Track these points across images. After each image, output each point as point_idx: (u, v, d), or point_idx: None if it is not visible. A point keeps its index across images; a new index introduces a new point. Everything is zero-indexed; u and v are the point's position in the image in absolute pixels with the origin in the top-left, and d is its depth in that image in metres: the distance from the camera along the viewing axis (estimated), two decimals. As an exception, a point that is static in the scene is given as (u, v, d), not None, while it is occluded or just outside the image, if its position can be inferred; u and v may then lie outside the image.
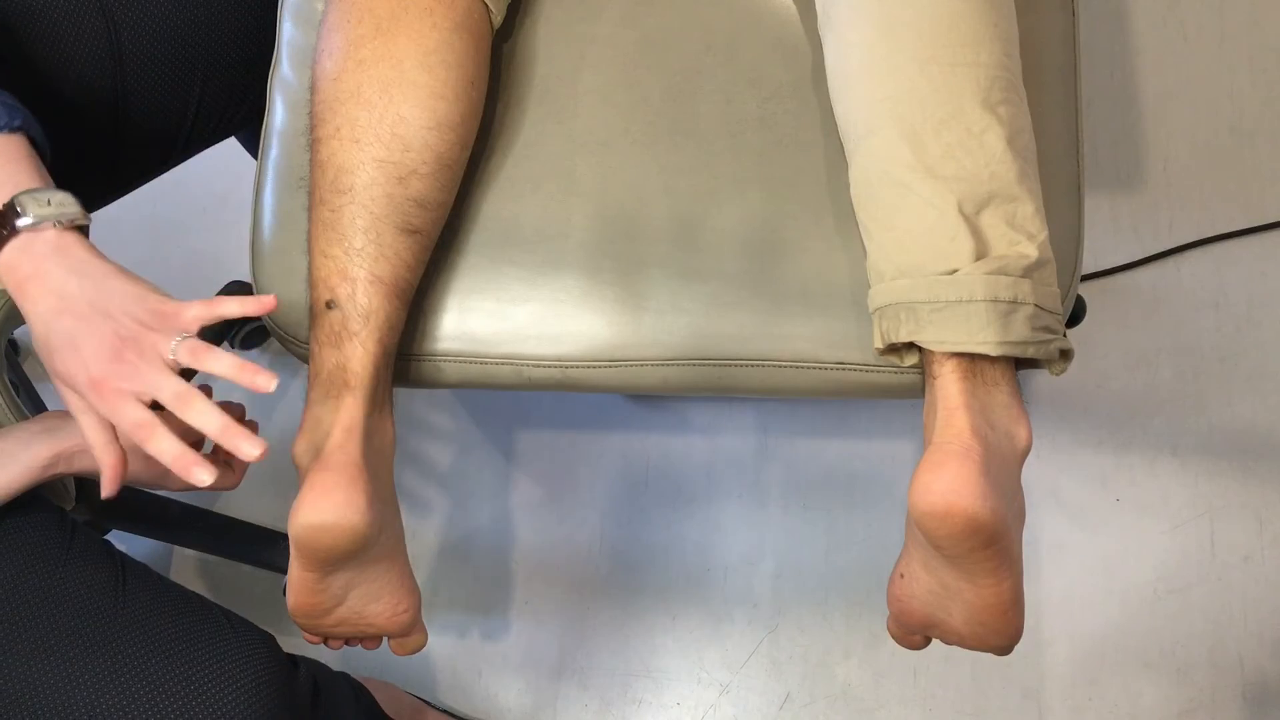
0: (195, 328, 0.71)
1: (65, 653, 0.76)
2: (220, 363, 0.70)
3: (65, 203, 0.71)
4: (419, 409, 1.35)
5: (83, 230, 0.72)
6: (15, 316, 0.91)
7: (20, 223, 0.69)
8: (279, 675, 0.80)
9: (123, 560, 0.83)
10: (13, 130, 0.72)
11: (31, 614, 0.77)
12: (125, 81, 0.87)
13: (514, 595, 1.27)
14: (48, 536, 0.81)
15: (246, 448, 0.68)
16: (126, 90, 0.88)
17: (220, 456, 0.84)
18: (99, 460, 0.73)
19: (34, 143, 0.73)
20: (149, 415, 0.69)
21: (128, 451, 0.75)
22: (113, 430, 0.73)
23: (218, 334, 1.31)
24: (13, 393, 0.91)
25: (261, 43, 0.92)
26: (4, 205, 0.70)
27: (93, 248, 0.72)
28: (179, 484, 0.81)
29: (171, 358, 0.69)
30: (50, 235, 0.70)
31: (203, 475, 0.69)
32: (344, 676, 0.98)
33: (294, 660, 0.86)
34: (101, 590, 0.79)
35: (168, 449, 0.69)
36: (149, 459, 0.79)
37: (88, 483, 0.94)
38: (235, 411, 0.87)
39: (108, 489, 0.73)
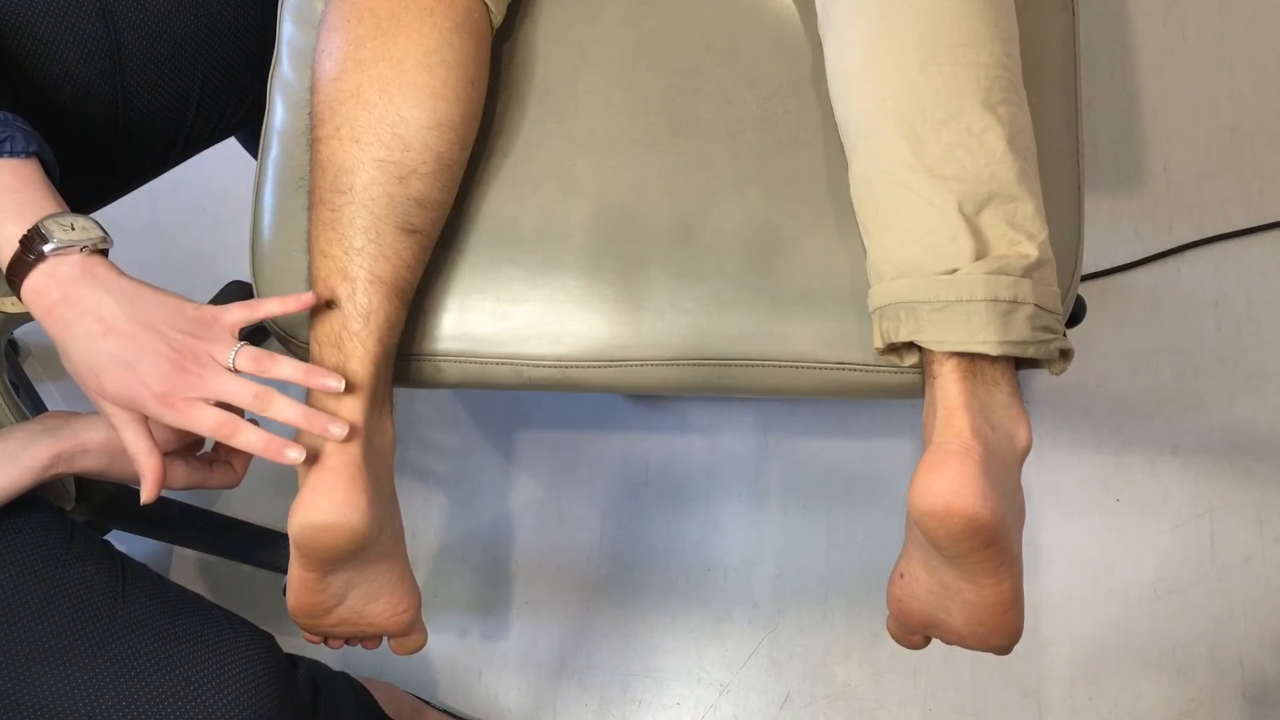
0: (236, 331, 0.72)
1: (65, 653, 0.76)
2: (285, 368, 0.72)
3: (88, 226, 0.72)
4: (419, 409, 1.35)
5: (104, 253, 0.73)
6: (15, 317, 0.91)
7: (46, 248, 0.70)
8: (279, 675, 0.80)
9: (122, 561, 0.83)
10: (28, 155, 0.72)
11: (31, 614, 0.77)
12: (125, 81, 0.87)
13: (514, 595, 1.27)
14: (48, 537, 0.81)
15: (334, 429, 0.71)
16: (126, 90, 0.88)
17: (221, 455, 0.84)
18: (141, 467, 0.74)
19: (45, 165, 0.74)
20: (227, 414, 0.71)
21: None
22: (153, 438, 0.74)
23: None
24: (13, 393, 0.91)
25: (261, 43, 0.92)
26: (29, 230, 0.70)
27: (116, 268, 0.73)
28: (180, 481, 0.82)
29: (231, 366, 0.71)
30: (76, 259, 0.71)
31: (294, 454, 0.71)
32: (344, 676, 0.98)
33: (294, 660, 0.86)
34: (101, 590, 0.79)
35: (255, 440, 0.71)
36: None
37: (88, 483, 0.94)
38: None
39: (149, 494, 0.74)
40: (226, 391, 0.70)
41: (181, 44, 0.89)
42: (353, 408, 0.74)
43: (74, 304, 0.70)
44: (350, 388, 0.74)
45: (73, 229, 0.70)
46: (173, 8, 0.88)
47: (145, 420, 0.73)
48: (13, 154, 0.72)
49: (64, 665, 0.76)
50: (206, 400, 0.70)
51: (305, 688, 0.85)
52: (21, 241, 0.70)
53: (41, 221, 0.70)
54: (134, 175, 0.95)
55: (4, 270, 0.72)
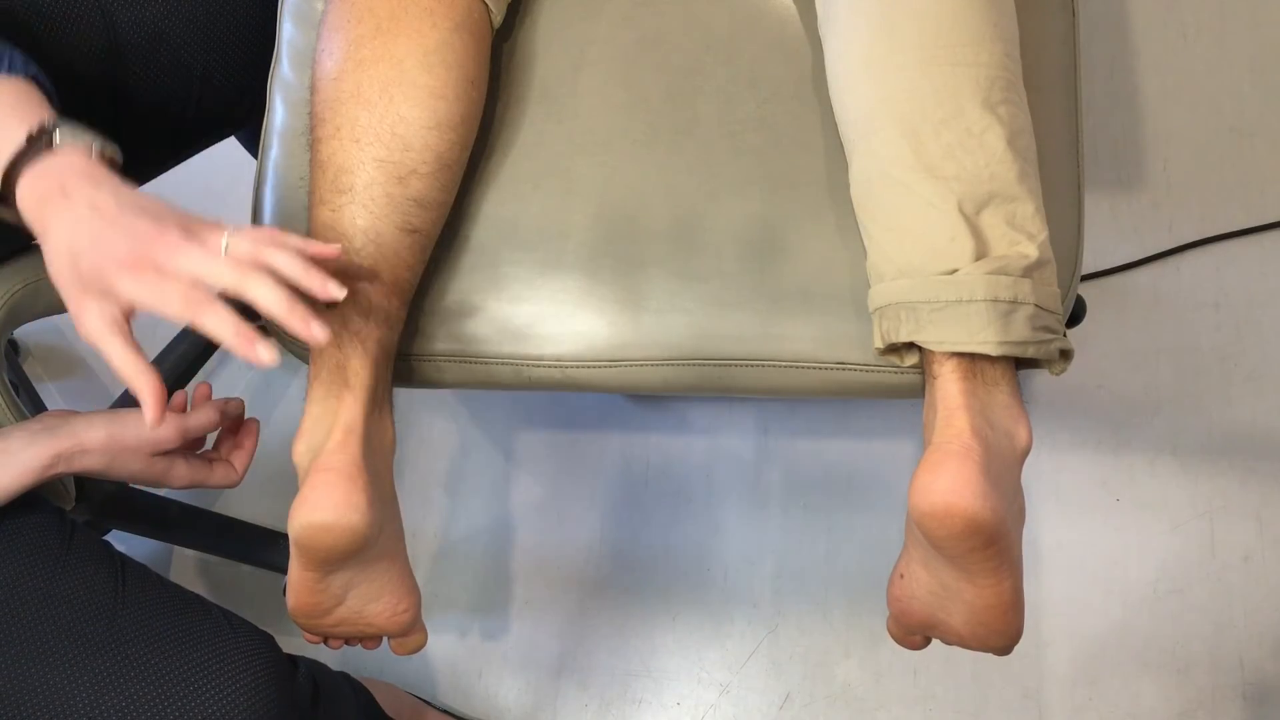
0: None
1: (65, 653, 0.76)
2: (282, 257, 0.65)
3: (100, 137, 0.69)
4: (419, 409, 1.35)
5: (114, 164, 0.70)
6: (15, 316, 0.91)
7: (57, 137, 0.67)
8: (279, 675, 0.80)
9: (122, 561, 0.83)
10: (28, 77, 0.71)
11: (31, 615, 0.77)
12: (124, 82, 0.87)
13: (514, 595, 1.27)
14: (47, 537, 0.81)
15: (316, 330, 0.64)
16: (125, 91, 0.88)
17: (222, 454, 0.84)
18: (136, 388, 0.66)
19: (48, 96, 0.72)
20: (203, 289, 0.63)
21: (132, 454, 0.74)
22: (142, 354, 0.67)
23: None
24: (13, 393, 0.91)
25: (260, 41, 0.92)
26: (39, 126, 0.67)
27: (123, 179, 0.68)
28: (181, 480, 0.81)
29: (223, 253, 0.64)
30: (84, 156, 0.68)
31: (264, 353, 0.63)
32: (344, 676, 0.98)
33: (294, 660, 0.86)
34: (101, 590, 0.79)
35: (223, 324, 0.63)
36: (151, 459, 0.80)
37: (88, 483, 0.94)
38: (235, 408, 0.87)
39: (153, 415, 0.66)
40: (203, 268, 0.63)
41: (180, 44, 0.89)
42: (352, 407, 0.74)
43: (69, 195, 0.66)
44: (350, 387, 0.74)
45: (84, 133, 0.68)
46: (171, 7, 0.88)
47: (129, 334, 0.66)
48: (11, 71, 0.70)
49: (64, 666, 0.76)
50: (181, 278, 0.64)
51: (305, 688, 0.85)
52: (29, 138, 0.67)
53: (54, 121, 0.67)
54: (133, 175, 0.94)
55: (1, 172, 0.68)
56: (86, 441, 0.80)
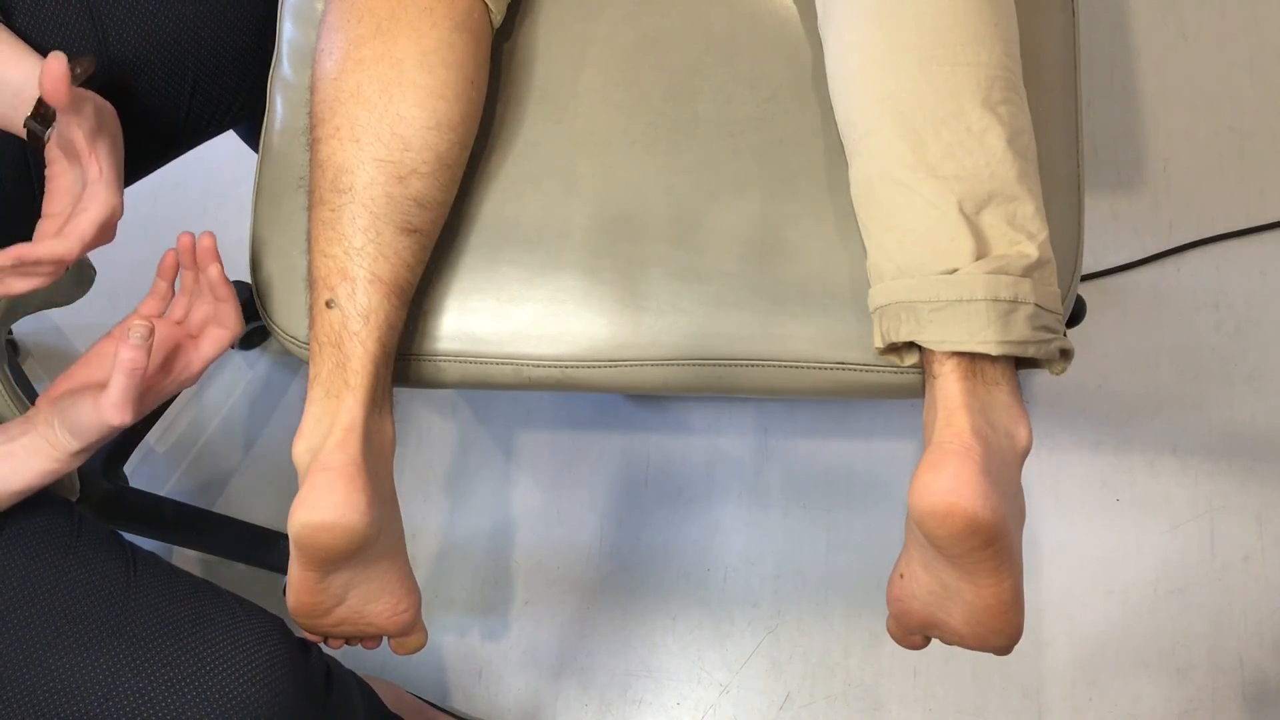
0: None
1: (80, 637, 0.76)
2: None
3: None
4: (419, 409, 1.35)
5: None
6: (15, 309, 0.91)
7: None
8: (293, 656, 0.80)
9: (132, 549, 0.84)
10: None
11: (46, 601, 0.78)
12: (115, 85, 0.87)
13: (514, 595, 1.27)
14: (57, 526, 0.82)
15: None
16: (116, 94, 0.87)
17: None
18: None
19: None
20: None
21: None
22: None
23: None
24: (14, 384, 0.91)
25: (255, 38, 0.92)
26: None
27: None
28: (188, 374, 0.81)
29: None
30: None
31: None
32: (351, 673, 0.98)
33: (305, 644, 0.87)
34: (113, 576, 0.80)
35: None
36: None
37: (88, 481, 0.95)
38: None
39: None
40: None
41: (172, 43, 0.88)
42: (352, 407, 0.74)
43: None
44: (350, 387, 0.74)
45: None
46: (164, 10, 0.88)
47: None
48: None
49: (80, 649, 0.76)
50: None
51: (319, 670, 0.86)
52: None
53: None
54: (128, 172, 0.94)
55: None
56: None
